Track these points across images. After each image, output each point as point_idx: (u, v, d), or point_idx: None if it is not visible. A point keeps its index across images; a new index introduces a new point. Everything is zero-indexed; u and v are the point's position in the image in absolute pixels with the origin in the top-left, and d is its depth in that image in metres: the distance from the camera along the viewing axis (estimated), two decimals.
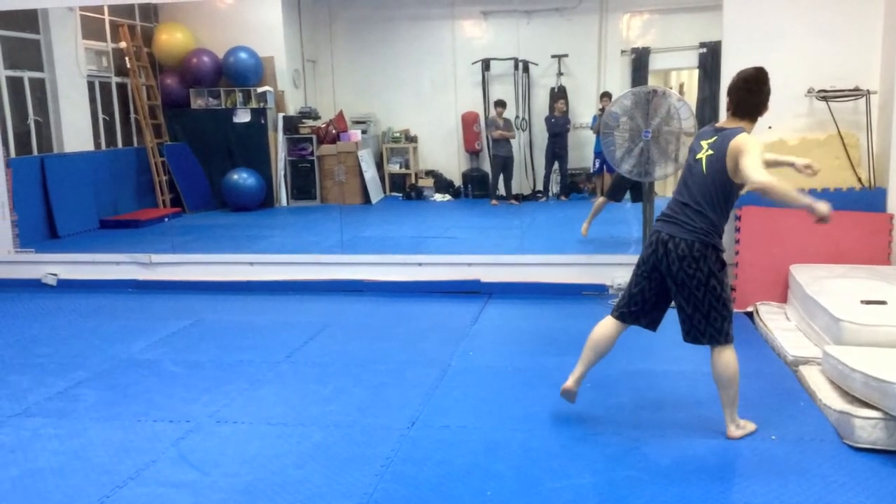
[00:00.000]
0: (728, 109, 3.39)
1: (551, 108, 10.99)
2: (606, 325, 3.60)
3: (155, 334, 5.26)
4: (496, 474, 3.16)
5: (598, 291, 6.02)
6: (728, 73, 5.61)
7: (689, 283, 3.32)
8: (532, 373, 4.37)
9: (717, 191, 3.27)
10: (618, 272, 5.89)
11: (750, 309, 5.35)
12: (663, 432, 3.52)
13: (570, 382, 3.62)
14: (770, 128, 5.61)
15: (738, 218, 5.51)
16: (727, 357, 3.39)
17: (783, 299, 5.27)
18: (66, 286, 6.72)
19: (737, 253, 5.51)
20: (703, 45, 10.15)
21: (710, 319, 3.35)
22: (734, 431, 3.46)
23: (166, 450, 3.45)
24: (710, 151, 3.29)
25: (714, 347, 3.40)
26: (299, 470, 3.23)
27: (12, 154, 8.07)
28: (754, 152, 3.14)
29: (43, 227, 8.50)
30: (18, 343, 5.17)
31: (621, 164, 5.59)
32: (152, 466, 3.29)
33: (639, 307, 3.52)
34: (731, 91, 3.37)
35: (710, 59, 9.93)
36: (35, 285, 6.76)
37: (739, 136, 3.22)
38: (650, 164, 5.49)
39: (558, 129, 10.81)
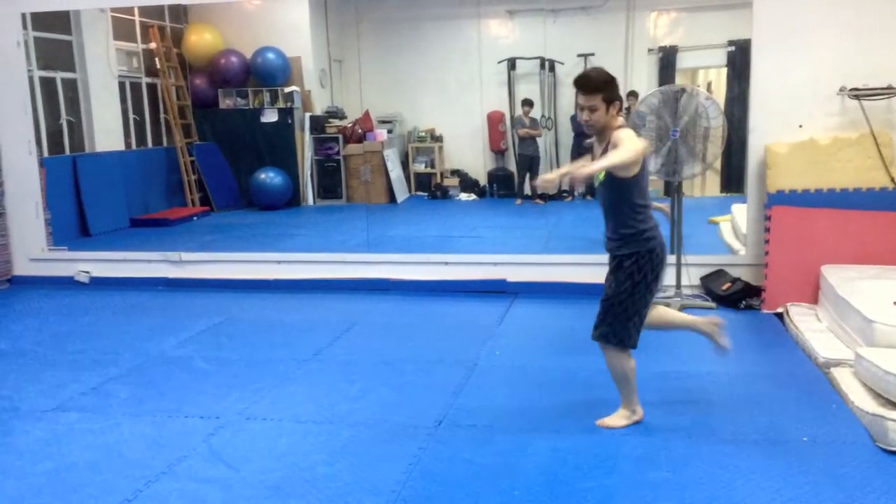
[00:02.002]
0: (619, 110, 3.50)
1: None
2: (630, 357, 3.58)
3: (185, 331, 5.34)
4: (524, 473, 3.16)
5: None
6: (758, 72, 5.62)
7: None
8: (559, 372, 4.37)
9: None
10: None
11: (780, 310, 5.28)
12: (692, 433, 3.50)
13: (640, 412, 3.63)
14: (801, 126, 5.54)
15: (768, 218, 5.44)
16: None
17: (814, 300, 5.20)
18: (99, 283, 6.83)
19: (766, 253, 5.45)
20: (731, 43, 10.06)
21: None
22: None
23: (197, 445, 3.50)
24: None
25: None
26: (328, 467, 3.26)
27: (45, 153, 8.23)
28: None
29: (75, 225, 8.65)
30: (52, 339, 5.27)
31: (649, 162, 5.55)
32: (184, 462, 3.34)
33: None
34: (613, 91, 3.42)
35: (738, 57, 9.83)
36: (68, 282, 6.89)
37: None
38: (678, 164, 5.45)
39: (584, 129, 10.74)
